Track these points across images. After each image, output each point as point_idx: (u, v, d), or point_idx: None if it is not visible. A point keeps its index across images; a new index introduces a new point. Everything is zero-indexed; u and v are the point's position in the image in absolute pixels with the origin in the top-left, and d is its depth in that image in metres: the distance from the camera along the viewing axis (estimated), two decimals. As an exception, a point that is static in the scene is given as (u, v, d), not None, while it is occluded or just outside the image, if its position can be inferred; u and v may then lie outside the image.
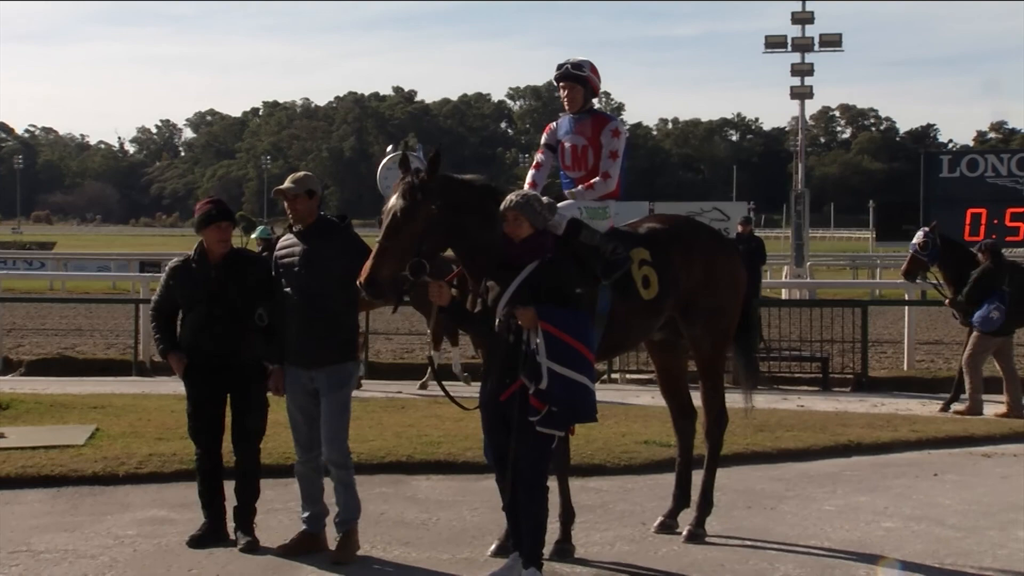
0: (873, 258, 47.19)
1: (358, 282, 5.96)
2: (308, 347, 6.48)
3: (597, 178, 7.01)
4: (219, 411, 6.87)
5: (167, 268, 7.00)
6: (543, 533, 5.92)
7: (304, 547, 6.63)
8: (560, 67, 7.15)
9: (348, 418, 6.67)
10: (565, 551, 6.67)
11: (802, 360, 15.78)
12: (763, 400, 13.07)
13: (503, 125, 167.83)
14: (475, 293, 6.44)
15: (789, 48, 38.75)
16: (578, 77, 7.11)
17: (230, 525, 6.91)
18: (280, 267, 6.66)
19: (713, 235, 7.76)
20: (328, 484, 6.75)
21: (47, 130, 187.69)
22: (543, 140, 7.38)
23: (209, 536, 6.80)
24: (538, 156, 7.35)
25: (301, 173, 6.86)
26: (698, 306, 7.15)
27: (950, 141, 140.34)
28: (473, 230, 6.24)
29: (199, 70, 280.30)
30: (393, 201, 6.10)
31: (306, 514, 6.72)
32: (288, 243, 6.71)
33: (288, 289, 6.57)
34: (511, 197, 6.01)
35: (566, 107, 7.24)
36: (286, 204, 6.64)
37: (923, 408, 12.82)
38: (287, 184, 6.66)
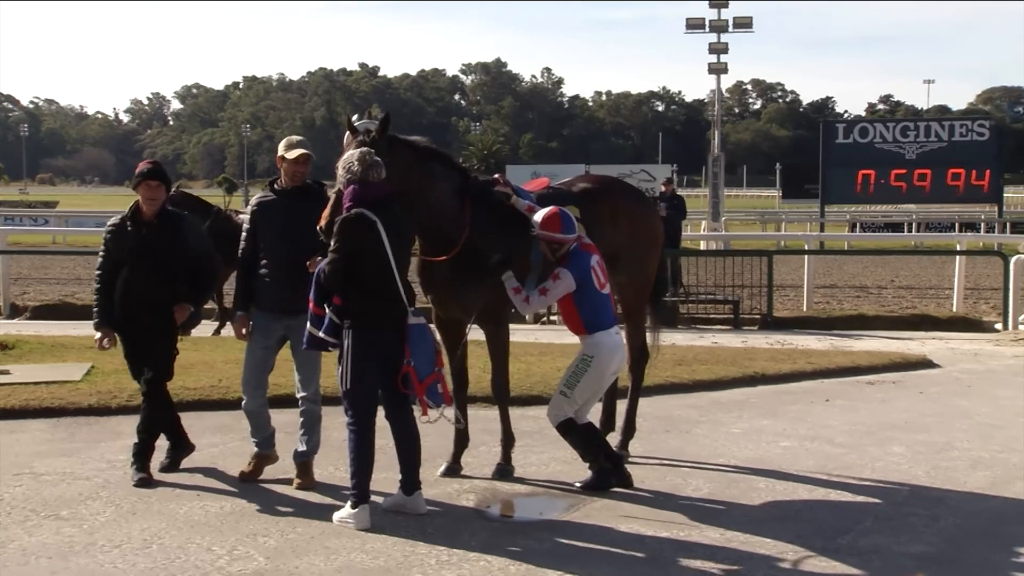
0: (780, 213, 47.60)
1: (318, 227, 5.86)
2: (287, 296, 6.28)
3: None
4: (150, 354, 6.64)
5: (106, 225, 6.72)
6: (356, 471, 5.71)
7: (260, 467, 6.58)
8: None
9: (320, 360, 6.54)
10: (506, 471, 6.69)
11: (716, 303, 15.91)
12: (681, 338, 13.25)
13: (456, 97, 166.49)
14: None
15: (707, 29, 38.66)
16: None
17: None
18: (261, 222, 6.44)
19: (636, 195, 7.73)
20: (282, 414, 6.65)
21: (49, 101, 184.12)
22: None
23: (176, 461, 6.74)
24: None
25: (301, 138, 6.67)
26: (623, 258, 7.12)
27: (845, 111, 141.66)
28: (415, 185, 6.18)
29: (185, 46, 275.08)
30: (347, 156, 6.02)
31: (257, 439, 6.62)
32: (268, 200, 6.50)
33: (269, 242, 6.38)
34: None
35: None
36: (288, 165, 6.41)
37: (818, 343, 12.96)
38: (304, 150, 6.45)
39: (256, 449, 6.64)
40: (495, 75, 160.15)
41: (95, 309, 6.68)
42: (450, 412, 6.21)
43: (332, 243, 5.68)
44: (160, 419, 6.68)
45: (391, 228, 5.66)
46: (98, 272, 6.69)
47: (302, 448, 6.51)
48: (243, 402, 6.63)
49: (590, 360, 6.33)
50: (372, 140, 6.07)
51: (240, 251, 6.53)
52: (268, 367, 6.59)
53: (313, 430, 6.52)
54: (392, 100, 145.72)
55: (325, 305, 5.79)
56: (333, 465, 6.72)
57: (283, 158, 6.46)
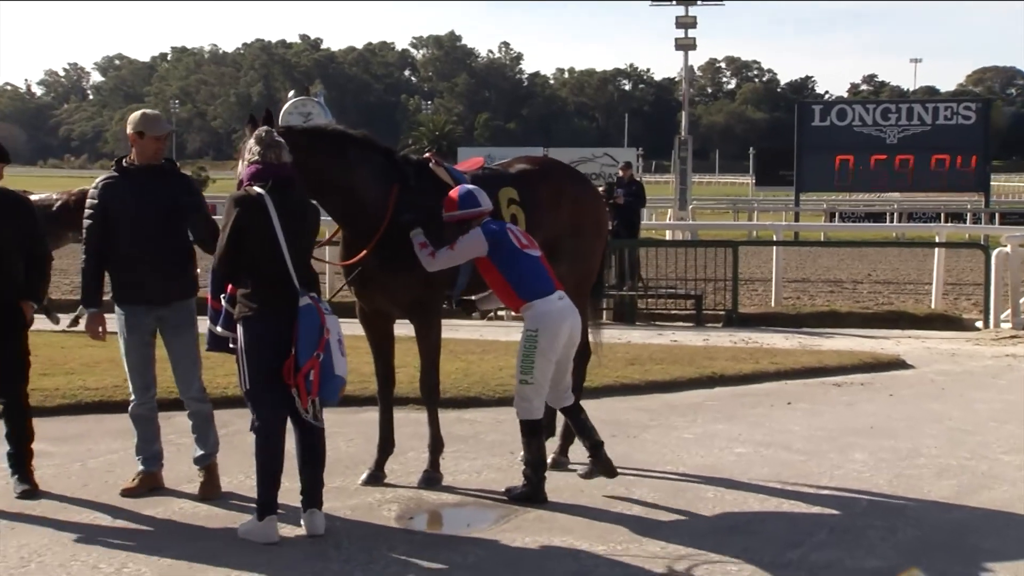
0: (752, 202, 47.97)
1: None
2: (157, 285, 6.21)
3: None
4: None
5: None
6: (261, 479, 5.65)
7: (144, 486, 6.40)
8: None
9: (199, 354, 6.44)
10: (433, 479, 6.65)
11: (677, 297, 15.97)
12: (638, 335, 13.34)
13: (407, 73, 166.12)
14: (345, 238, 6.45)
15: (673, 1, 38.79)
16: None
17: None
18: (114, 206, 6.22)
19: (581, 179, 7.74)
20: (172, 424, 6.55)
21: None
22: None
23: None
24: None
25: (158, 112, 6.60)
26: (564, 246, 7.09)
27: (826, 92, 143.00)
28: (322, 174, 6.18)
29: (106, 14, 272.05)
30: (240, 167, 5.98)
31: (143, 455, 6.48)
32: (118, 181, 6.29)
33: (128, 229, 6.19)
34: None
35: None
36: (143, 143, 6.25)
37: (785, 342, 13.05)
38: (170, 127, 6.39)
39: (141, 467, 6.48)
40: (448, 50, 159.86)
41: None
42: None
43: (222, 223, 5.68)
44: (30, 421, 6.50)
45: (285, 210, 5.61)
46: None
47: (200, 452, 6.43)
48: (130, 406, 6.48)
49: (535, 336, 6.23)
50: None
51: (86, 240, 6.30)
52: (151, 362, 6.45)
53: (207, 430, 6.43)
54: (336, 75, 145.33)
55: (222, 297, 5.74)
56: (244, 473, 6.62)
57: (142, 134, 6.26)
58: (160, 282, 6.20)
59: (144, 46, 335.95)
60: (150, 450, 6.49)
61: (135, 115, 6.40)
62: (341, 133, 6.58)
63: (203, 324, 6.13)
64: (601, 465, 6.49)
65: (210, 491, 6.36)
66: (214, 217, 6.46)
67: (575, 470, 6.98)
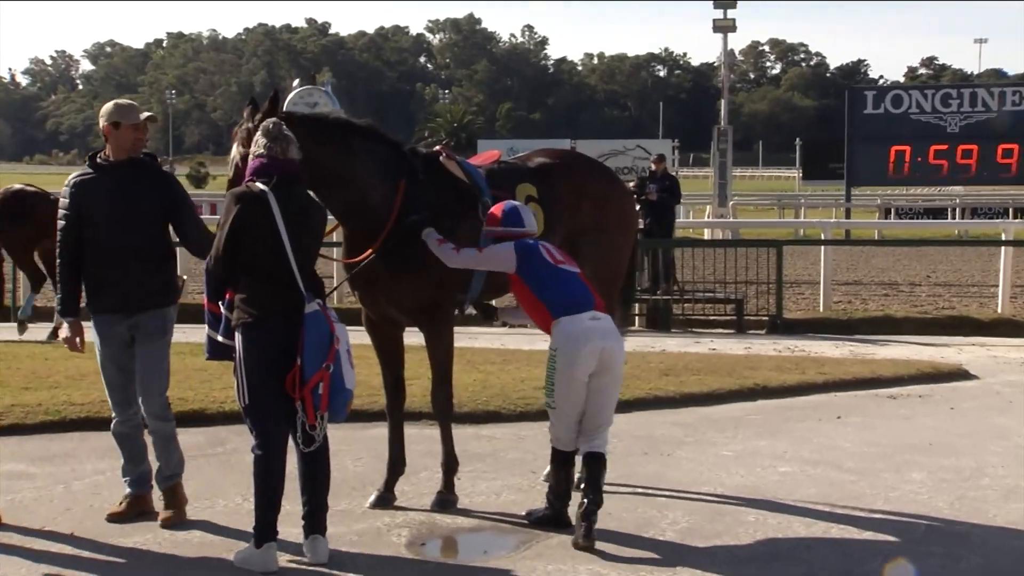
0: (799, 197, 47.80)
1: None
2: (133, 291, 6.17)
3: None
4: None
5: None
6: (260, 502, 5.65)
7: (134, 510, 6.39)
8: None
9: (168, 366, 6.39)
10: (447, 502, 6.64)
11: (716, 302, 15.92)
12: (674, 343, 13.31)
13: (422, 59, 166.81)
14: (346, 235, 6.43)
15: (710, -21, 38.58)
16: None
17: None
18: (87, 205, 6.19)
19: (605, 172, 7.73)
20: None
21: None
22: None
23: None
24: None
25: (130, 101, 6.58)
26: (587, 245, 7.07)
27: (880, 77, 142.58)
28: (323, 165, 6.17)
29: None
30: (234, 151, 6.02)
31: (130, 476, 6.45)
32: (92, 178, 6.25)
33: (103, 230, 6.17)
34: None
35: None
36: (120, 133, 6.21)
37: (835, 350, 12.99)
38: (148, 112, 6.41)
39: (128, 490, 6.46)
40: (467, 34, 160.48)
41: None
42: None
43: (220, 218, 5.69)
44: None
45: (289, 208, 5.61)
46: None
47: (164, 472, 6.38)
48: (112, 424, 6.46)
49: (554, 355, 6.15)
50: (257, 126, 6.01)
51: (61, 244, 6.28)
52: (131, 375, 6.41)
53: (169, 450, 6.37)
54: (345, 62, 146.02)
55: (221, 304, 5.74)
56: (241, 495, 6.66)
57: (117, 124, 6.23)
58: (137, 288, 6.17)
59: (137, 32, 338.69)
60: (137, 471, 6.47)
61: (107, 106, 6.37)
62: (344, 122, 6.60)
63: (190, 332, 6.12)
64: (581, 530, 5.97)
65: (176, 516, 6.29)
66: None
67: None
